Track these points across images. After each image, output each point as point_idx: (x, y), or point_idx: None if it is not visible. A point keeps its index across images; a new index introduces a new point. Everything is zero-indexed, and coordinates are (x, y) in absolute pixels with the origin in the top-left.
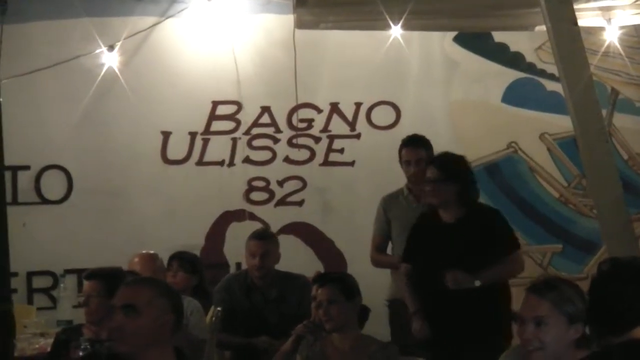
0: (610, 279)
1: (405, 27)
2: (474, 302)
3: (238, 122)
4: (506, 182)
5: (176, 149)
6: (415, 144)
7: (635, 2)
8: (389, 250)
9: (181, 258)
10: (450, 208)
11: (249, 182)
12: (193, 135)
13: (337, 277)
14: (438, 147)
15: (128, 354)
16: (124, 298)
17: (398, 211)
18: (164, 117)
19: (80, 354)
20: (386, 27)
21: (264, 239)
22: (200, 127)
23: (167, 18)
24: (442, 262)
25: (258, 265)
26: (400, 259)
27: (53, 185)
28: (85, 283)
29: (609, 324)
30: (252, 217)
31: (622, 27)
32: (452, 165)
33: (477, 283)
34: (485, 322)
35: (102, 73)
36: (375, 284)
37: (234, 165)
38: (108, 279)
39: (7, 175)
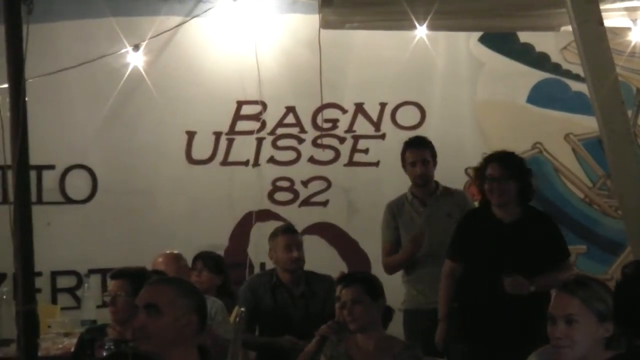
0: (634, 282)
1: (431, 27)
2: (526, 307)
3: (263, 122)
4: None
5: (201, 149)
6: (419, 144)
7: None
8: None
9: (206, 258)
10: (509, 207)
11: (274, 182)
12: (218, 135)
13: (361, 278)
14: (463, 148)
15: (152, 354)
16: (146, 298)
17: (405, 218)
18: (189, 117)
19: (105, 353)
20: (411, 27)
21: (296, 232)
22: (225, 127)
23: (192, 17)
24: (501, 263)
25: (297, 257)
26: (448, 255)
27: (78, 185)
28: (111, 282)
29: (634, 326)
30: (277, 217)
31: None
32: (515, 163)
33: (532, 289)
34: (532, 328)
35: (128, 73)
36: (400, 286)
37: (258, 165)
38: (134, 279)
39: (32, 174)
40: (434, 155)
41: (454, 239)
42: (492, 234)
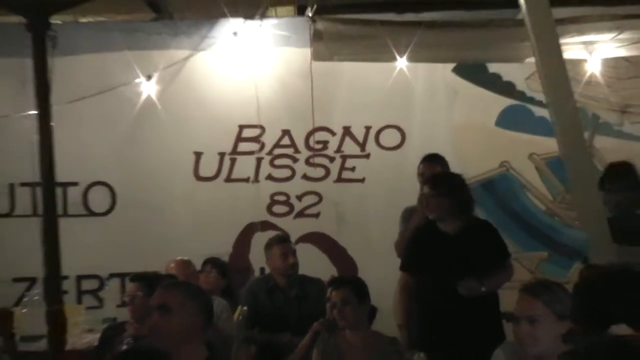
0: (590, 285)
1: (410, 59)
2: (480, 307)
3: (261, 144)
4: (500, 196)
5: (207, 168)
6: (432, 159)
7: (614, 37)
8: None
9: (214, 262)
10: (448, 221)
11: (271, 196)
12: (222, 155)
13: (349, 281)
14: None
15: (164, 349)
16: (159, 299)
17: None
18: (196, 139)
19: (124, 347)
20: (393, 59)
21: (289, 240)
22: (228, 148)
23: (199, 52)
24: (451, 271)
25: (292, 263)
26: (402, 268)
27: (99, 200)
28: (129, 285)
29: (589, 323)
30: (274, 227)
31: (603, 60)
32: (444, 182)
33: (483, 289)
34: (488, 324)
35: (141, 100)
36: (384, 288)
37: (258, 182)
38: (149, 282)
39: (58, 190)
40: (445, 168)
41: (406, 253)
42: (439, 246)
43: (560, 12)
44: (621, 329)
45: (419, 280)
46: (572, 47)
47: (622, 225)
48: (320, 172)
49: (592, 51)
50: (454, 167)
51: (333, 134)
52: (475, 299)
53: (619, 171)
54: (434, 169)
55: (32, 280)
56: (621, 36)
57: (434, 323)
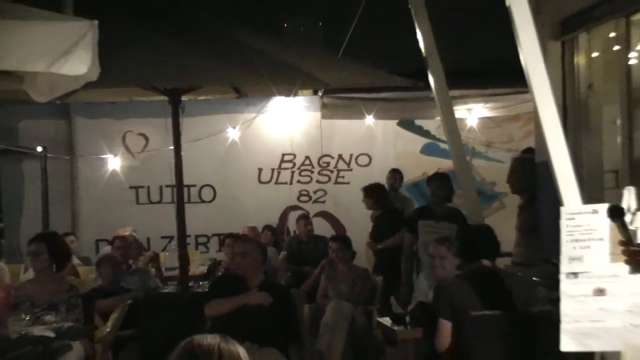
0: (467, 236)
1: (374, 117)
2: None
3: (293, 164)
4: (421, 191)
5: (265, 176)
6: (394, 171)
7: (483, 106)
8: None
9: (269, 227)
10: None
11: (299, 192)
12: (272, 170)
13: (342, 237)
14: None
15: (241, 275)
16: (240, 248)
17: None
18: (259, 161)
19: (220, 273)
20: (364, 117)
21: (308, 217)
22: (275, 166)
23: (261, 114)
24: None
25: (311, 229)
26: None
27: (207, 194)
28: (226, 240)
29: (469, 258)
30: (301, 209)
31: (477, 118)
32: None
33: (380, 246)
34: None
35: (230, 140)
36: (359, 241)
37: (292, 184)
38: (234, 238)
39: (185, 189)
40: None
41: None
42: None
43: (453, 92)
44: (485, 262)
45: None
46: (460, 111)
47: (437, 209)
48: (325, 178)
49: (471, 113)
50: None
51: (332, 158)
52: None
53: (437, 178)
54: (395, 175)
55: (171, 238)
56: (487, 105)
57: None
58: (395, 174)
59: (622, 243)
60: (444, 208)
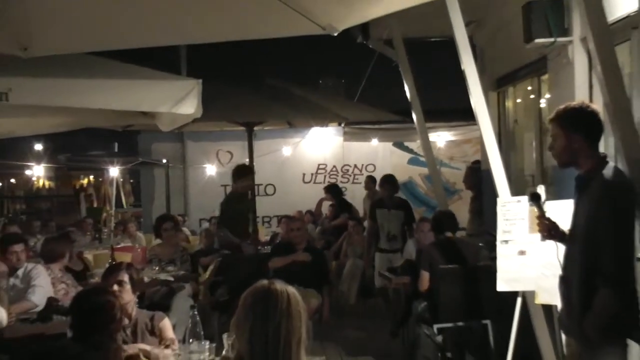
0: (436, 217)
1: (378, 140)
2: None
3: (325, 170)
4: (409, 189)
5: (307, 178)
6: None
7: (450, 133)
8: None
9: (310, 212)
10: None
11: None
12: (312, 174)
13: (357, 217)
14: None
15: (293, 242)
16: (292, 225)
17: None
18: (303, 168)
19: (277, 241)
20: (371, 140)
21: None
22: (314, 171)
23: (304, 139)
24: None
25: (335, 210)
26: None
27: (270, 189)
28: (283, 219)
29: (437, 231)
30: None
31: (444, 141)
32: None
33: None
34: None
35: (284, 155)
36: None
37: (324, 183)
38: (289, 218)
39: (256, 187)
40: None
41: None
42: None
43: (428, 124)
44: (449, 234)
45: None
46: (432, 136)
47: (388, 201)
48: (346, 180)
49: (440, 137)
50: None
51: (350, 166)
52: None
53: (387, 179)
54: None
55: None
56: (450, 132)
57: None
58: (388, 177)
59: (538, 217)
60: (393, 199)
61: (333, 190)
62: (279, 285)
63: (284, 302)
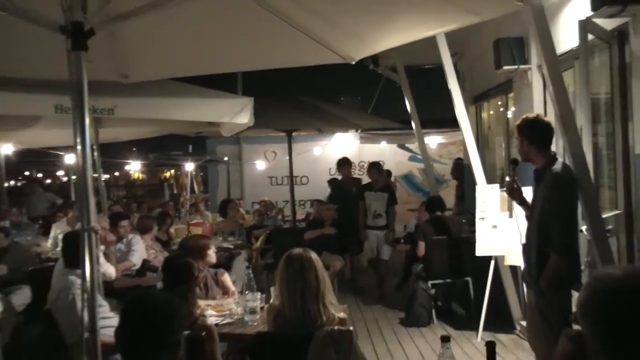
0: (430, 200)
1: (386, 143)
2: None
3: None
4: (409, 180)
5: (332, 172)
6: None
7: (441, 137)
8: None
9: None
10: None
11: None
12: (335, 168)
13: None
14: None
15: (322, 219)
16: (322, 206)
17: None
18: (329, 164)
19: (311, 218)
20: (381, 143)
21: None
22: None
23: (328, 142)
24: None
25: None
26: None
27: (304, 180)
28: (315, 203)
29: (430, 211)
30: None
31: (436, 143)
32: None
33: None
34: None
35: (315, 154)
36: None
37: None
38: (319, 201)
39: (294, 178)
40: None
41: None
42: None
43: (424, 130)
44: (439, 213)
45: None
46: (427, 140)
47: (375, 185)
48: (361, 173)
49: (432, 140)
50: (397, 172)
51: (365, 162)
52: None
53: (374, 165)
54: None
55: (287, 201)
56: (440, 136)
57: None
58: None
59: (510, 176)
60: (379, 183)
61: (332, 182)
62: (308, 252)
63: (309, 265)
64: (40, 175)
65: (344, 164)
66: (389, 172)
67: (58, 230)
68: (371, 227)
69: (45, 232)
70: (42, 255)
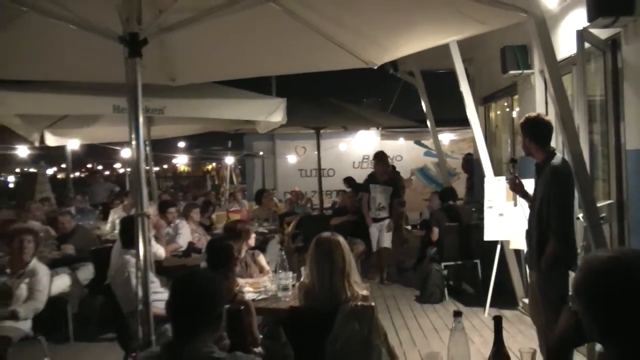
0: (442, 191)
1: (404, 139)
2: None
3: (368, 159)
4: (425, 173)
5: (356, 165)
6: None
7: (453, 135)
8: None
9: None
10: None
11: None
12: (359, 162)
13: None
14: (407, 166)
15: (346, 207)
16: (346, 195)
17: None
18: (354, 158)
19: (336, 206)
20: (399, 139)
21: None
22: (360, 160)
23: (353, 138)
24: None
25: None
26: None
27: (331, 172)
28: (340, 192)
29: (443, 200)
30: None
31: (448, 140)
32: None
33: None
34: None
35: (341, 149)
36: None
37: (367, 169)
38: (344, 191)
39: (322, 171)
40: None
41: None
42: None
43: (438, 128)
44: (451, 202)
45: None
46: (440, 137)
47: (379, 177)
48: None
49: (445, 137)
50: (413, 165)
51: (386, 157)
52: None
53: (378, 156)
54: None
55: (315, 191)
56: (452, 134)
57: None
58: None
59: (511, 173)
60: (384, 175)
61: (348, 180)
62: (335, 236)
63: (336, 247)
64: (100, 167)
65: (375, 158)
66: (394, 168)
67: (115, 215)
68: (374, 219)
69: (105, 217)
70: (102, 237)
